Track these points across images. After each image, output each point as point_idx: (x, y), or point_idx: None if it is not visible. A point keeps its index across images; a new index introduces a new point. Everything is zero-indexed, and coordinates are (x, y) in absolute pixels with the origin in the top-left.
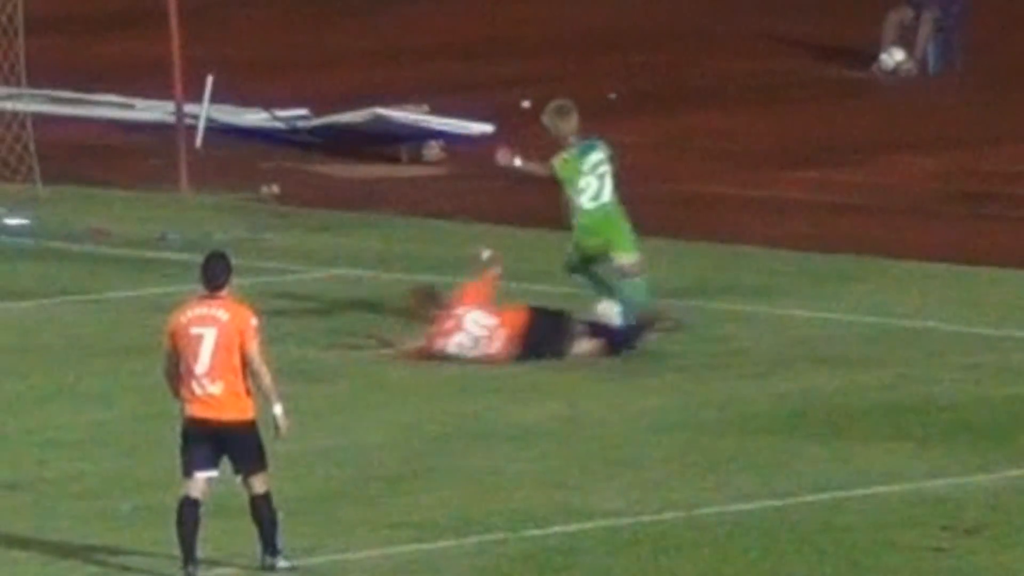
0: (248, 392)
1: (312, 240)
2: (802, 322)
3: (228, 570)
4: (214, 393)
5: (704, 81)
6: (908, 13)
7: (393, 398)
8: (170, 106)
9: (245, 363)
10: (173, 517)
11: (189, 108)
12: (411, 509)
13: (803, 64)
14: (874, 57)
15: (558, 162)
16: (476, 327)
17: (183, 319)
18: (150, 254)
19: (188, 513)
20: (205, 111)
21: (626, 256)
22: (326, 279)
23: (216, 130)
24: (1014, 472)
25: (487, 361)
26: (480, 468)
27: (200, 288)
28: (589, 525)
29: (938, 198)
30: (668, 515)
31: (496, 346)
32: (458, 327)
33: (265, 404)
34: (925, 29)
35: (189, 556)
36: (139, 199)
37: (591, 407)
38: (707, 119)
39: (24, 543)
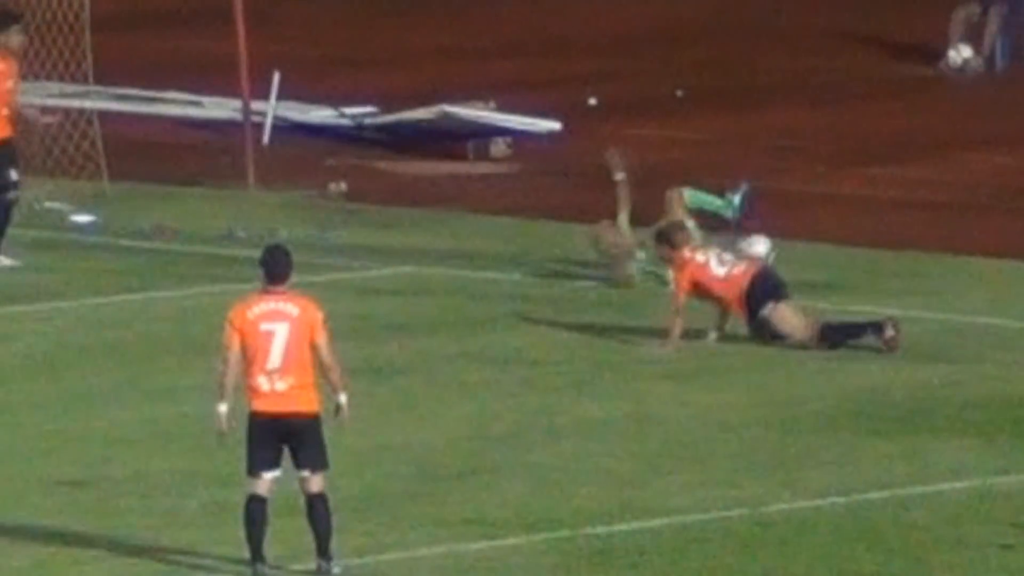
0: (315, 385)
1: (379, 237)
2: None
3: (295, 568)
4: (282, 389)
5: (771, 78)
6: (975, 10)
7: (459, 395)
8: (237, 103)
9: (313, 356)
10: (240, 515)
11: (256, 105)
12: (477, 506)
13: (870, 61)
14: (941, 54)
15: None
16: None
17: (250, 315)
18: (217, 251)
19: (256, 511)
20: (272, 108)
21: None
22: (393, 276)
23: (283, 127)
24: None
25: (727, 284)
26: (546, 465)
27: (260, 282)
28: (656, 522)
29: (1007, 194)
30: (735, 512)
31: (740, 269)
32: (701, 248)
33: (330, 395)
34: (992, 26)
35: (257, 554)
36: (206, 196)
37: (657, 404)
38: (774, 116)
39: (90, 541)
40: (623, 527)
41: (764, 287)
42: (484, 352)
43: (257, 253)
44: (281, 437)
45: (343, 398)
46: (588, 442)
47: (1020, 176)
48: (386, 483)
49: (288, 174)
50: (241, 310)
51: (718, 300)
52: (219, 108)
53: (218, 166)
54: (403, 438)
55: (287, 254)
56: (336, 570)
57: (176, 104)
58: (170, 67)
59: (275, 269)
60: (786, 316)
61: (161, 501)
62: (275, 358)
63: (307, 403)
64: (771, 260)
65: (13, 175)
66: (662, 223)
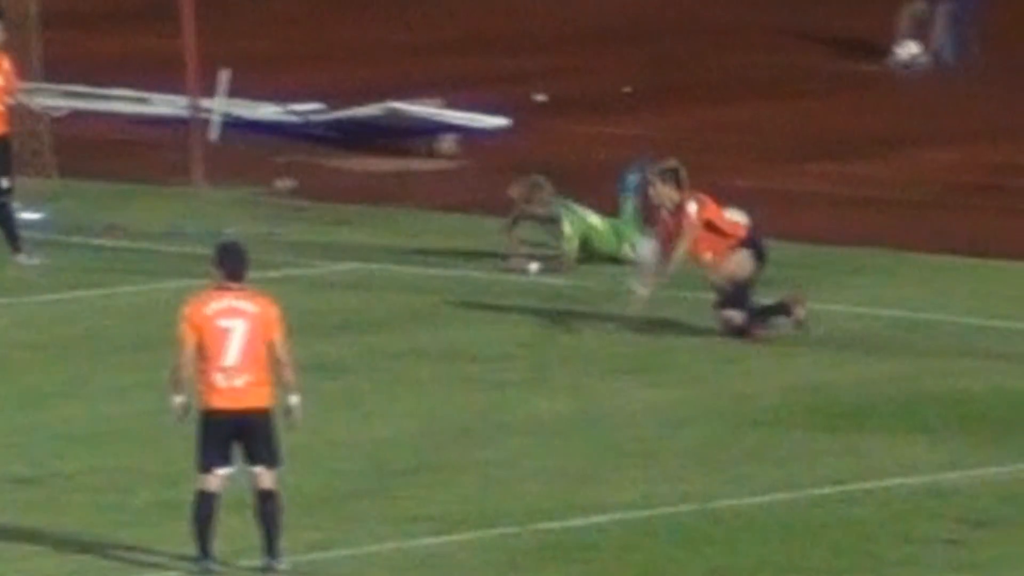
0: (269, 382)
1: (327, 234)
2: (819, 314)
3: (242, 565)
4: (239, 385)
5: (718, 74)
6: (922, 6)
7: (408, 391)
8: (185, 100)
9: (269, 353)
10: (189, 511)
11: (204, 102)
12: (427, 503)
13: (817, 57)
14: (888, 50)
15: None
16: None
17: (207, 311)
18: (166, 248)
19: (205, 507)
20: (220, 105)
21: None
22: (342, 272)
23: (231, 124)
24: None
25: (734, 226)
26: (496, 462)
27: (213, 278)
28: (604, 518)
29: (954, 191)
30: (683, 508)
31: (740, 220)
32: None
33: (282, 395)
34: (940, 22)
35: (205, 550)
36: (154, 193)
37: (606, 400)
38: (722, 112)
39: (39, 537)
40: (572, 523)
41: (756, 242)
42: (433, 348)
43: (206, 250)
44: (235, 433)
45: (295, 399)
46: (537, 438)
47: (967, 172)
48: (334, 480)
49: (236, 171)
50: (197, 306)
51: (719, 240)
52: (167, 105)
53: (166, 163)
54: (351, 435)
55: (243, 251)
56: (282, 567)
57: (124, 101)
58: (118, 64)
59: (232, 266)
60: (740, 261)
61: (110, 497)
62: (232, 355)
63: (262, 399)
64: None
65: (5, 183)
66: (664, 163)
